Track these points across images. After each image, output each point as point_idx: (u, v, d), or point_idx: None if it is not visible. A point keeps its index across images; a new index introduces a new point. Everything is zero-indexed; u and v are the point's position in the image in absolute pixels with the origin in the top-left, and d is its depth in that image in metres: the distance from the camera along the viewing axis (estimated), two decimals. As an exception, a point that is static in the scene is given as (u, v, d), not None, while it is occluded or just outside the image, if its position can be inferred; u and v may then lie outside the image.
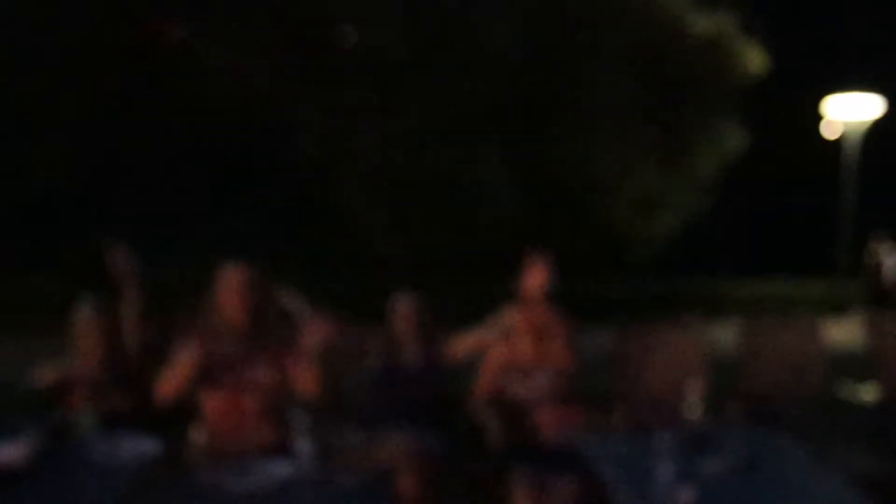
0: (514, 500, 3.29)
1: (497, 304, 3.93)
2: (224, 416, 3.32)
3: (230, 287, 3.37)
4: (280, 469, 2.87)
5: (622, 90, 14.18)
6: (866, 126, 14.70)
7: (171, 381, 3.27)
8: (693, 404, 3.15)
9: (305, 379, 3.41)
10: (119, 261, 3.76)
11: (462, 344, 3.89)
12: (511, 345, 3.84)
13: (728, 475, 2.91)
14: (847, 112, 14.66)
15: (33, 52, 12.89)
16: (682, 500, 2.70)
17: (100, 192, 13.83)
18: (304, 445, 2.85)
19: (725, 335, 4.75)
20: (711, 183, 15.24)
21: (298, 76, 13.44)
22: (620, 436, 3.29)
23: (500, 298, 3.95)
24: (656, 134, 14.61)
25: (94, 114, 13.52)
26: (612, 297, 12.69)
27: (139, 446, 3.01)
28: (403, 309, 3.98)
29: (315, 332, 3.43)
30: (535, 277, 3.82)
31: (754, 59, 14.95)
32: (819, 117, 16.03)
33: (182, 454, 3.30)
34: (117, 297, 3.80)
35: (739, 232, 16.65)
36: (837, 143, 15.54)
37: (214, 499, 2.66)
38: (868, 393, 4.51)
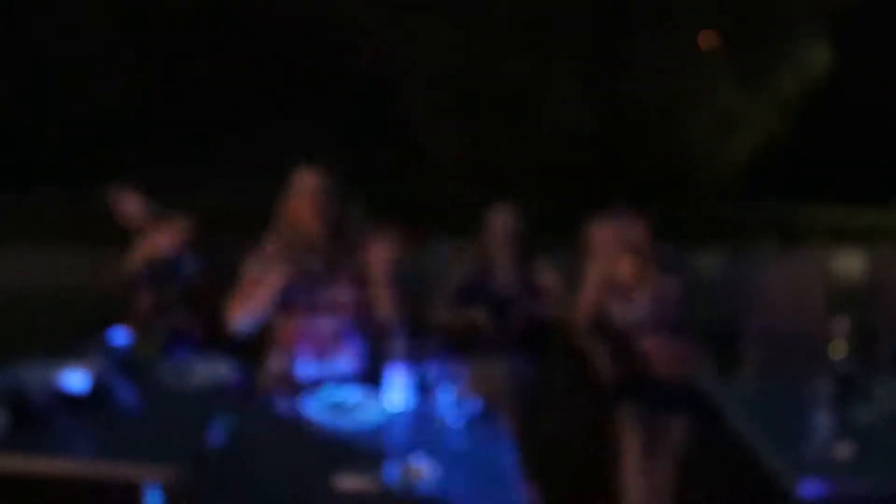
0: (627, 440, 2.94)
1: (565, 224, 3.50)
2: (302, 341, 2.99)
3: (304, 193, 2.97)
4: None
5: (703, 3, 13.32)
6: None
7: (249, 303, 2.89)
8: (838, 345, 2.72)
9: (385, 299, 3.04)
10: (128, 205, 3.43)
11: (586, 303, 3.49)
12: (610, 262, 3.43)
13: (883, 426, 2.51)
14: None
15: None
16: (838, 455, 2.31)
17: (159, 105, 13.62)
18: (398, 374, 2.51)
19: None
20: (794, 104, 14.38)
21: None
22: (752, 378, 2.88)
23: (569, 219, 3.52)
24: (738, 51, 13.76)
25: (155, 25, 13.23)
26: (690, 220, 12.09)
27: (213, 371, 2.71)
28: (499, 222, 3.56)
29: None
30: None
31: (845, -28, 13.86)
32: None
33: (259, 381, 3.01)
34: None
35: (821, 157, 15.73)
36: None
37: (309, 435, 2.34)
38: None
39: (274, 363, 3.04)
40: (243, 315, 2.89)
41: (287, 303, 2.94)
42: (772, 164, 14.40)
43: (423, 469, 2.02)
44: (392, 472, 2.02)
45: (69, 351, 2.57)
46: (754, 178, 14.23)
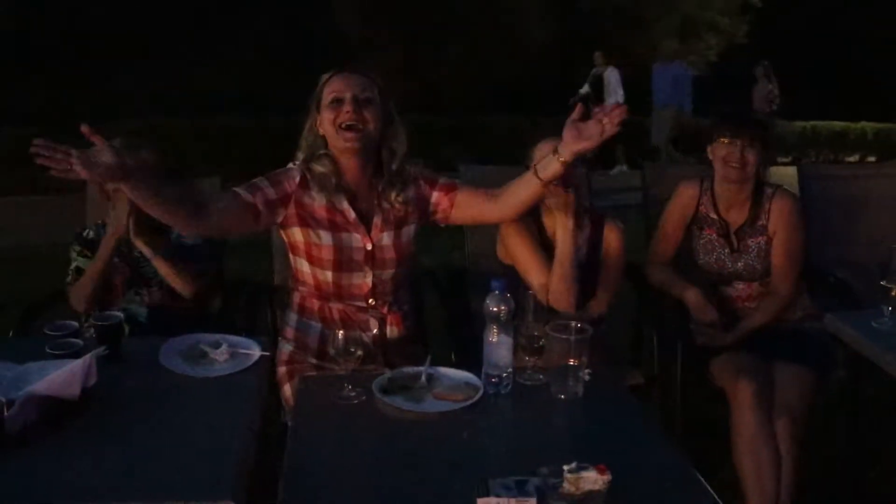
0: (739, 399, 2.40)
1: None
2: (334, 308, 2.31)
3: (330, 104, 2.21)
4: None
5: None
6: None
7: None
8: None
9: None
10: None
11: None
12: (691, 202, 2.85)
13: None
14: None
15: None
16: None
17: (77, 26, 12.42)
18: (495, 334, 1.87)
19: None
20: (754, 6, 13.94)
21: None
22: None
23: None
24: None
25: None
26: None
27: (236, 349, 2.03)
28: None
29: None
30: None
31: None
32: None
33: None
34: None
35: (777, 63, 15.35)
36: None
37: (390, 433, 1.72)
38: None
39: (291, 335, 2.38)
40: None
41: (310, 257, 2.28)
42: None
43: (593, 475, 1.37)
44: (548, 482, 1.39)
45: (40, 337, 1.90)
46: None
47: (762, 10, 14.21)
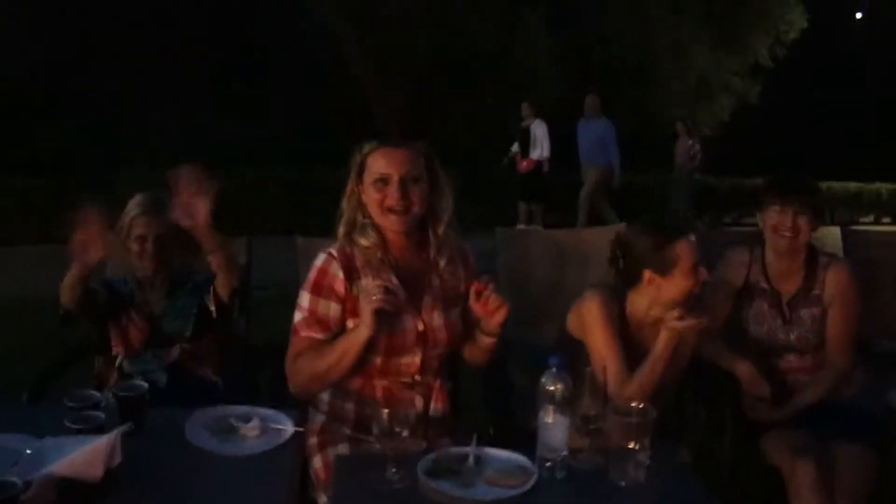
0: (797, 479, 2.25)
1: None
2: (377, 385, 2.15)
3: (375, 179, 2.09)
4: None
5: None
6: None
7: (324, 367, 2.04)
8: None
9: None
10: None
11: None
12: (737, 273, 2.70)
13: None
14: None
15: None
16: None
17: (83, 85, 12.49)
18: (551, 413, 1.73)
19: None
20: (766, 67, 14.01)
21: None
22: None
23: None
24: (710, 12, 13.27)
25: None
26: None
27: (266, 423, 1.90)
28: (685, 253, 2.26)
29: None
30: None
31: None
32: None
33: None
34: None
35: (789, 124, 15.39)
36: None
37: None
38: None
39: (325, 407, 2.22)
40: (315, 384, 2.12)
41: None
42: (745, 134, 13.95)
43: None
44: None
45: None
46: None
47: (774, 70, 14.29)
